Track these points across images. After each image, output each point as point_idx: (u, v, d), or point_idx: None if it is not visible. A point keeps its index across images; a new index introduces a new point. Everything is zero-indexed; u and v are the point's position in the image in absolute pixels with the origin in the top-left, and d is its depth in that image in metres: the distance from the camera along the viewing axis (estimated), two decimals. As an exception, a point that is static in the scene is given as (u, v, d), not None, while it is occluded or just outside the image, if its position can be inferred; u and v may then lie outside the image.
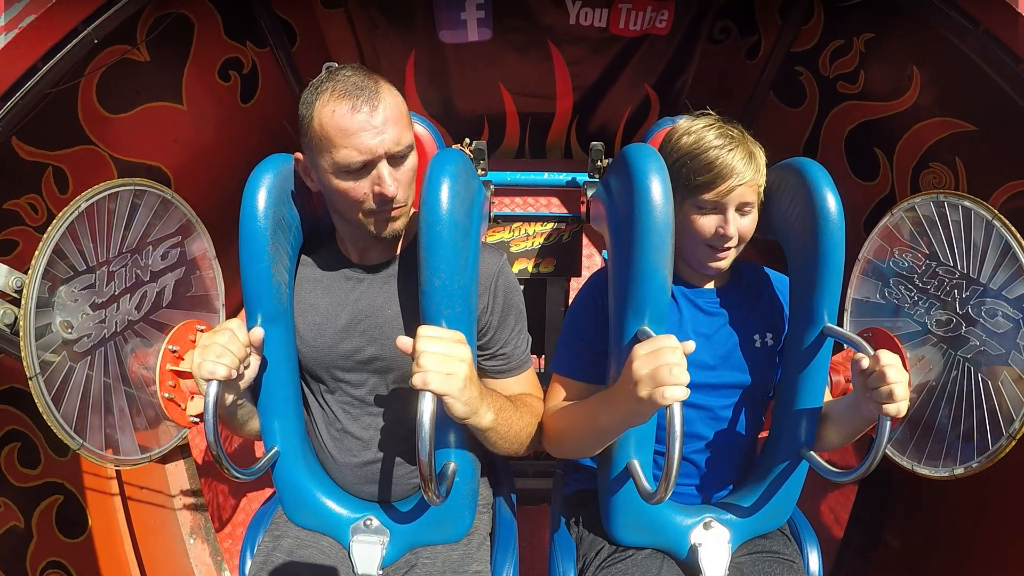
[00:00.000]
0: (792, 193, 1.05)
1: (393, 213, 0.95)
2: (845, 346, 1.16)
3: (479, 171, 1.67)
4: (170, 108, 1.61)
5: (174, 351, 1.12)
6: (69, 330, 0.98)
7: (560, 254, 1.74)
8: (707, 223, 1.04)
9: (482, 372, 1.05)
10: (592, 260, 2.32)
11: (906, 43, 1.55)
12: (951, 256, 1.14)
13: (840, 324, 1.24)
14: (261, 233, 0.96)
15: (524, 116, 2.28)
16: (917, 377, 1.18)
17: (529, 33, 1.99)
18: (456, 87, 2.15)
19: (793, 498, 1.12)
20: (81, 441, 0.99)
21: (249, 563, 1.11)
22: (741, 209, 1.04)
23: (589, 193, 1.50)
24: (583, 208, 1.60)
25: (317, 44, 2.02)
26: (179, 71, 1.61)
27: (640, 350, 0.81)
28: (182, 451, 1.96)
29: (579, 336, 1.10)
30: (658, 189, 0.90)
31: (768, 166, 1.07)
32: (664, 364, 0.78)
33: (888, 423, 0.92)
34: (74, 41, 1.17)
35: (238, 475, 0.94)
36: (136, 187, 1.09)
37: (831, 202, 0.99)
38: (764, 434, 1.16)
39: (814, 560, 1.16)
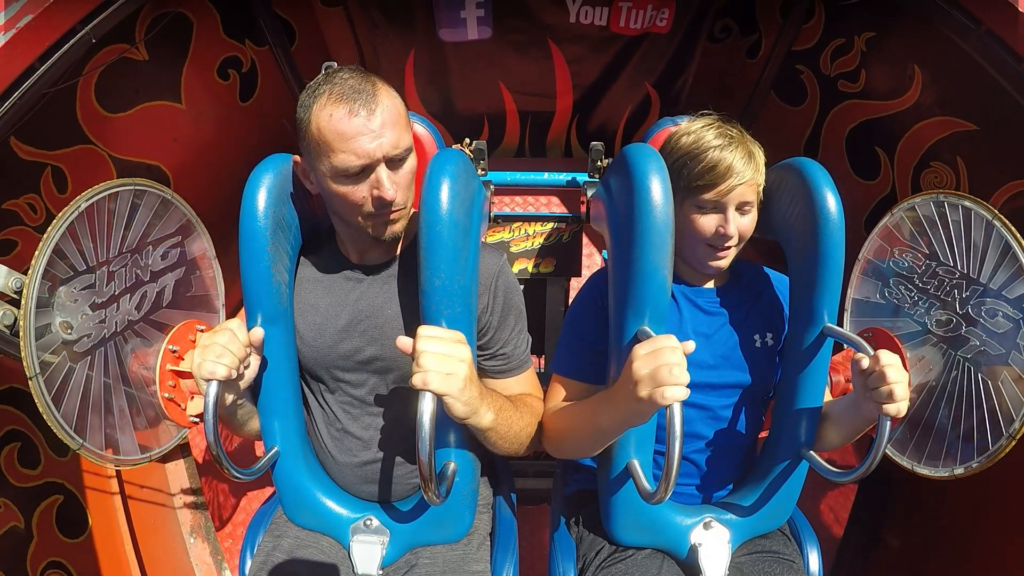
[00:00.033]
0: (792, 193, 1.05)
1: (392, 216, 0.95)
2: (845, 346, 1.16)
3: (479, 171, 1.67)
4: (169, 107, 1.61)
5: (174, 351, 1.12)
6: (69, 330, 0.98)
7: (560, 254, 1.73)
8: (707, 223, 1.04)
9: (482, 372, 1.05)
10: (592, 260, 2.32)
11: (907, 42, 1.55)
12: (951, 256, 1.14)
13: (840, 324, 1.24)
14: (261, 233, 0.96)
15: (524, 115, 2.28)
16: (917, 377, 1.18)
17: (529, 32, 1.98)
18: (456, 86, 2.15)
19: (793, 498, 1.12)
20: (81, 441, 0.98)
21: (249, 563, 1.11)
22: (741, 208, 1.04)
23: (589, 193, 1.50)
24: (583, 208, 1.60)
25: (316, 43, 2.02)
26: (178, 70, 1.61)
27: (640, 350, 0.81)
28: (182, 451, 1.96)
29: (579, 336, 1.10)
30: (658, 189, 0.90)
31: (769, 165, 1.07)
32: (664, 364, 0.78)
33: (888, 423, 0.92)
34: (72, 40, 1.16)
35: (238, 475, 0.94)
36: (136, 187, 1.09)
37: (831, 202, 0.99)
38: (764, 434, 1.16)
39: (814, 560, 1.16)
